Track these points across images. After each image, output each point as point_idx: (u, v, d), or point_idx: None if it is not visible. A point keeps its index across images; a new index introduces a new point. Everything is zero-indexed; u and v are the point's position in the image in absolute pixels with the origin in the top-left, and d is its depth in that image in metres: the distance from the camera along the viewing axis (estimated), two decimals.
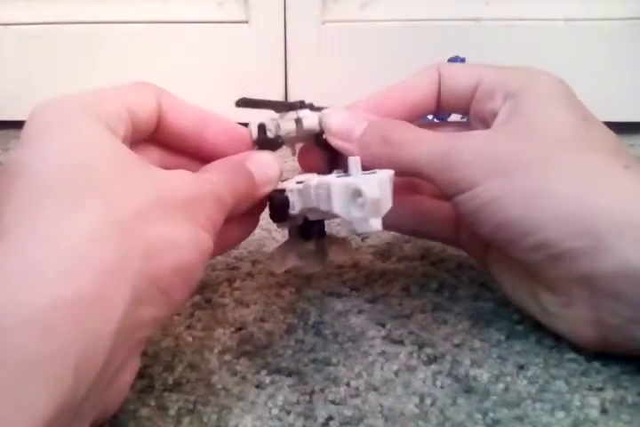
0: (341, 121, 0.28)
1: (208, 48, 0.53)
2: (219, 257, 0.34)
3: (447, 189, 0.26)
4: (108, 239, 0.19)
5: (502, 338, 0.28)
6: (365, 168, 0.24)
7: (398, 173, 0.25)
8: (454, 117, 0.32)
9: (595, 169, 0.25)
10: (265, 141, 0.28)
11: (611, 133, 0.27)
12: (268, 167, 0.27)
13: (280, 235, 0.37)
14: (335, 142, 0.28)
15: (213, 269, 0.34)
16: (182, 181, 0.23)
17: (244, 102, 0.27)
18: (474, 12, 0.49)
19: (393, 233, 0.37)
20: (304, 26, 0.51)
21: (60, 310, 0.17)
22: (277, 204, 0.27)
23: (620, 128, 0.30)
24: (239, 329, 0.29)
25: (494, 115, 0.28)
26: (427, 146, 0.27)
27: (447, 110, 0.31)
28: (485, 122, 0.29)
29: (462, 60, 0.36)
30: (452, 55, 0.37)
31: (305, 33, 0.52)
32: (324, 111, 0.29)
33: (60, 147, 0.21)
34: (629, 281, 0.23)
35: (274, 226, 0.37)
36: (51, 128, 0.22)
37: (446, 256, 0.35)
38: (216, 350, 0.28)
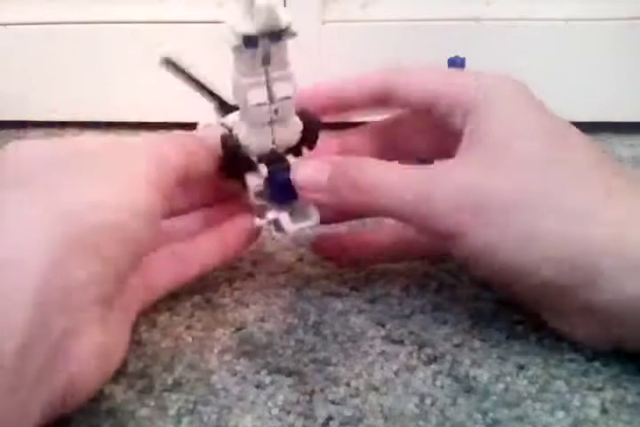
0: (306, 175, 0.28)
1: (208, 48, 0.53)
2: None
3: (432, 238, 0.27)
4: (20, 204, 0.20)
5: (502, 338, 0.28)
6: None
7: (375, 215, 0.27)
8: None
9: (578, 202, 0.24)
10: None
11: (585, 138, 0.26)
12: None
13: (280, 235, 0.37)
14: (307, 196, 0.28)
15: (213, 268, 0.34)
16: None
17: (172, 66, 0.27)
18: (474, 12, 0.49)
19: None
20: (304, 26, 0.51)
21: None
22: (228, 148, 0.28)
23: (620, 128, 0.30)
24: (239, 329, 0.29)
25: (458, 131, 0.27)
26: (398, 193, 0.26)
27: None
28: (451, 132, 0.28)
29: (462, 60, 0.36)
30: (451, 55, 0.37)
31: (305, 33, 0.51)
32: (292, 162, 0.28)
33: None
34: (626, 308, 0.23)
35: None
36: None
37: (446, 256, 0.35)
38: (216, 350, 0.28)
